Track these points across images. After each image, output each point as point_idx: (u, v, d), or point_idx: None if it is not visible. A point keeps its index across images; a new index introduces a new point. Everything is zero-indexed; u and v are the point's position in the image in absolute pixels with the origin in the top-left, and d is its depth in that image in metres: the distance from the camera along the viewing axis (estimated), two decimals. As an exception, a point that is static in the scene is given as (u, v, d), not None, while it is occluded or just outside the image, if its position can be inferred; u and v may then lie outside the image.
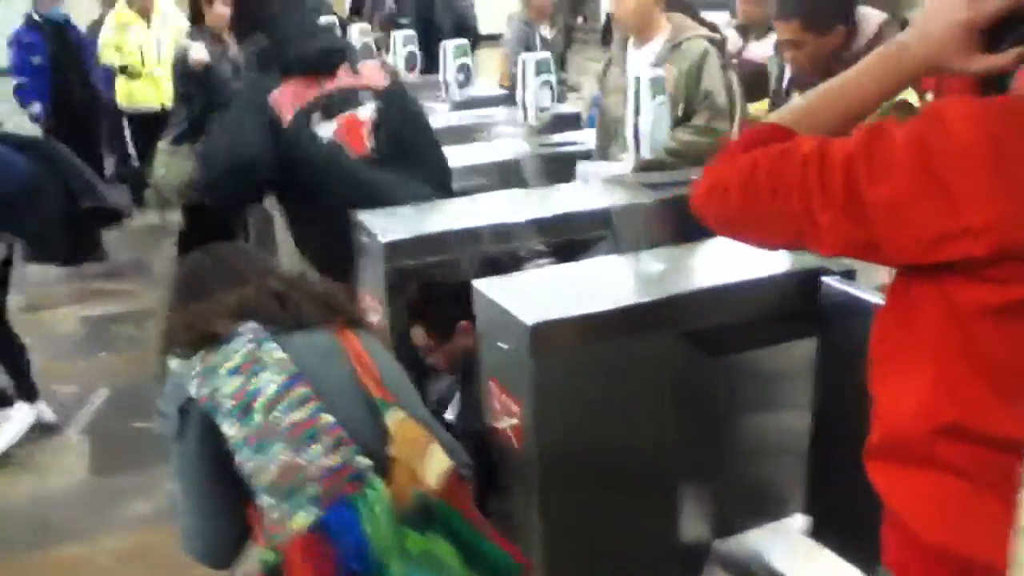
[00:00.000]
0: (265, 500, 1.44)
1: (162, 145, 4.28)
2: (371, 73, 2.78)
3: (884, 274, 2.09)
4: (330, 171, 2.61)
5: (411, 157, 2.75)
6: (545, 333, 1.76)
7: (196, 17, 4.28)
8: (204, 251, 1.80)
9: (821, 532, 2.21)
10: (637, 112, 2.75)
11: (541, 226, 2.55)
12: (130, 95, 5.94)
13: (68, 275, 5.40)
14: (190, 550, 1.59)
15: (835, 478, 2.16)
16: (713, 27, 3.28)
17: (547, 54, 3.69)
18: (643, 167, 2.89)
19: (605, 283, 1.99)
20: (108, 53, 6.02)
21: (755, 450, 2.20)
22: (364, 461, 1.47)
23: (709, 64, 3.04)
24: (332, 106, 2.64)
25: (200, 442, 1.50)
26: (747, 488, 2.23)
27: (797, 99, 1.30)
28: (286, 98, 2.60)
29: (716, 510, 2.19)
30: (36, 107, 6.06)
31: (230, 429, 1.47)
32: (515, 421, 1.88)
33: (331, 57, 2.71)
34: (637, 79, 2.75)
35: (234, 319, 1.56)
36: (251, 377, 1.49)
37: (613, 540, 1.99)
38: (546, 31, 5.69)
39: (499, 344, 1.88)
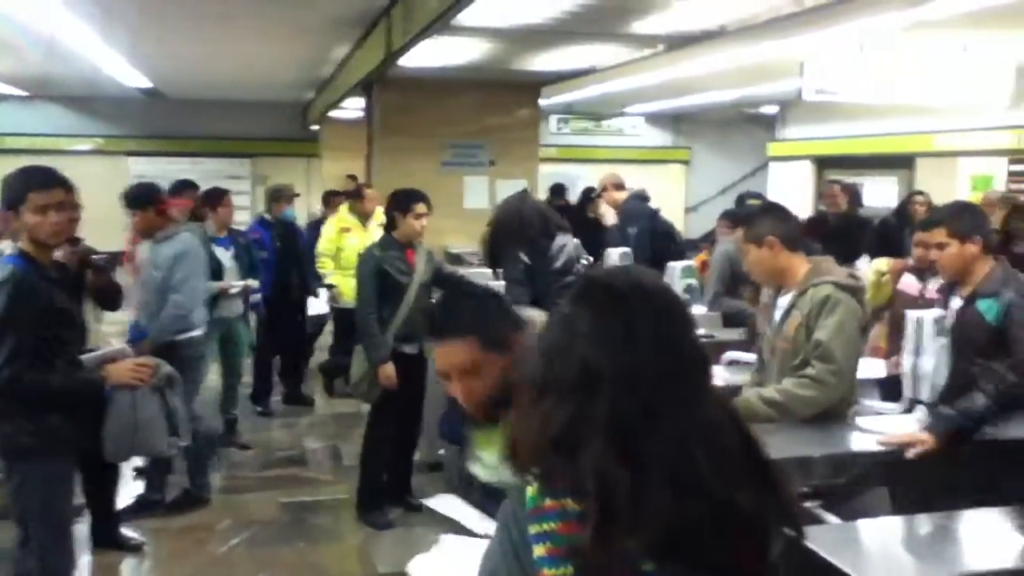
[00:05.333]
0: None
1: (359, 346, 4.41)
2: None
3: None
4: None
5: None
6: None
7: (390, 226, 4.47)
8: None
9: None
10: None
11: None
12: (343, 291, 6.25)
13: (263, 459, 5.55)
14: None
15: None
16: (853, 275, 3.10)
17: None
18: None
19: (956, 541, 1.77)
20: (325, 263, 6.47)
21: None
22: None
23: (826, 311, 2.79)
24: None
25: None
26: None
27: None
28: None
29: None
30: (256, 298, 6.44)
31: None
32: None
33: None
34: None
35: None
36: None
37: None
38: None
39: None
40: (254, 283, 5.81)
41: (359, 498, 4.58)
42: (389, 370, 4.28)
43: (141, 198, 4.64)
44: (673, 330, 1.23)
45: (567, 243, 4.57)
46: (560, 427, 1.14)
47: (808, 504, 2.38)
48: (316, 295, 6.83)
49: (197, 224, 5.24)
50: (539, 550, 1.12)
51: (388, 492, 4.64)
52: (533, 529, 1.13)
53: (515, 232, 3.86)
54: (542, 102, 8.92)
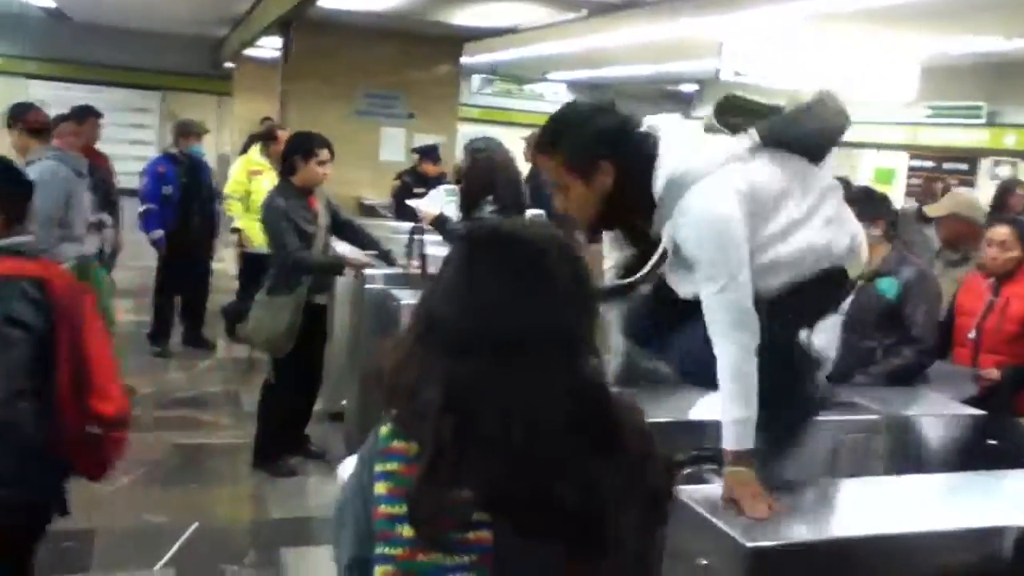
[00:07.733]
0: None
1: (259, 296, 4.29)
2: None
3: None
4: None
5: None
6: (768, 561, 1.63)
7: (289, 171, 4.27)
8: None
9: None
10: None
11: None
12: (251, 236, 6.07)
13: (157, 399, 5.41)
14: None
15: None
16: None
17: None
18: None
19: (837, 508, 1.86)
20: (233, 206, 6.29)
21: None
22: None
23: None
24: None
25: None
26: None
27: None
28: None
29: None
30: (158, 234, 6.23)
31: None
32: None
33: None
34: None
35: None
36: None
37: None
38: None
39: (699, 561, 1.75)
40: (108, 218, 5.49)
41: (256, 446, 4.50)
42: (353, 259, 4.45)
43: (7, 115, 4.63)
44: (535, 292, 1.16)
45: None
46: (407, 370, 1.16)
47: (702, 467, 2.46)
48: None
49: (67, 152, 4.64)
50: (380, 488, 1.14)
51: (288, 441, 4.57)
52: (378, 468, 1.15)
53: (513, 173, 3.96)
54: (466, 60, 8.83)
